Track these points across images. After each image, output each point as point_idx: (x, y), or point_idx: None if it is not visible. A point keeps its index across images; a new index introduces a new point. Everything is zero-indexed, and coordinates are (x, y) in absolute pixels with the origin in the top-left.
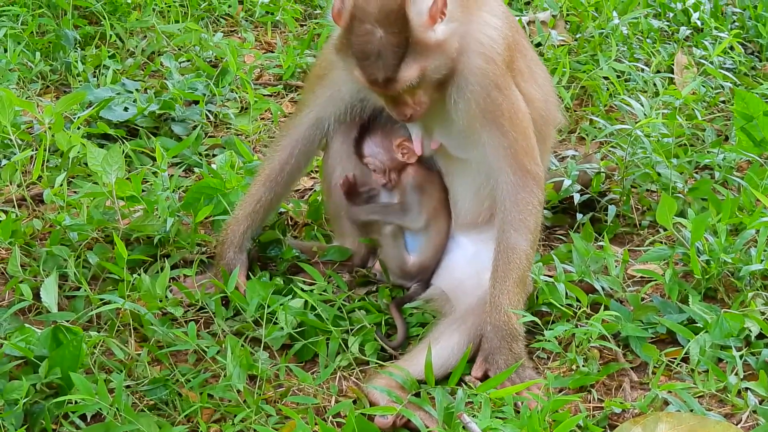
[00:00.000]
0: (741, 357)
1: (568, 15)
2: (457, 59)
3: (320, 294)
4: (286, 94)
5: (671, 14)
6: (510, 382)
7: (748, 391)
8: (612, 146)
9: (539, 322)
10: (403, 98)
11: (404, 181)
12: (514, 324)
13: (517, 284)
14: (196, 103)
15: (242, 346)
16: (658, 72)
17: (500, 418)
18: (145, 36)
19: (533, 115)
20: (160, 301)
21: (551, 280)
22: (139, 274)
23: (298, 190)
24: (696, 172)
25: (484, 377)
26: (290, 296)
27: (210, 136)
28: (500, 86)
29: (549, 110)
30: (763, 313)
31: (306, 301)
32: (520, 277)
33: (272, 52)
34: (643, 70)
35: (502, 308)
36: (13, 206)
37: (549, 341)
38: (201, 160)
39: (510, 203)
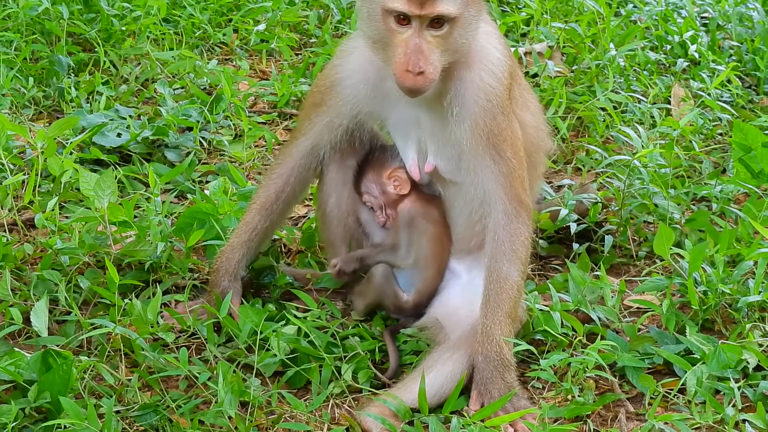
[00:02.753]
0: (738, 389)
1: (564, 46)
2: (463, 65)
3: (313, 321)
4: (281, 122)
5: (668, 47)
6: (504, 411)
7: (746, 423)
8: (609, 177)
9: (534, 351)
10: (426, 41)
11: (400, 214)
12: (506, 354)
13: (508, 315)
14: (190, 129)
15: (234, 372)
16: (655, 104)
17: None
18: (139, 63)
19: (525, 142)
20: (152, 326)
21: (547, 309)
22: (130, 299)
23: (292, 217)
24: (693, 204)
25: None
26: (283, 322)
27: (203, 163)
28: (505, 111)
29: (540, 137)
30: (760, 345)
31: (299, 328)
32: (511, 307)
33: (267, 80)
34: (639, 101)
35: (494, 339)
36: (4, 230)
37: (544, 370)
38: (194, 186)
39: (503, 233)
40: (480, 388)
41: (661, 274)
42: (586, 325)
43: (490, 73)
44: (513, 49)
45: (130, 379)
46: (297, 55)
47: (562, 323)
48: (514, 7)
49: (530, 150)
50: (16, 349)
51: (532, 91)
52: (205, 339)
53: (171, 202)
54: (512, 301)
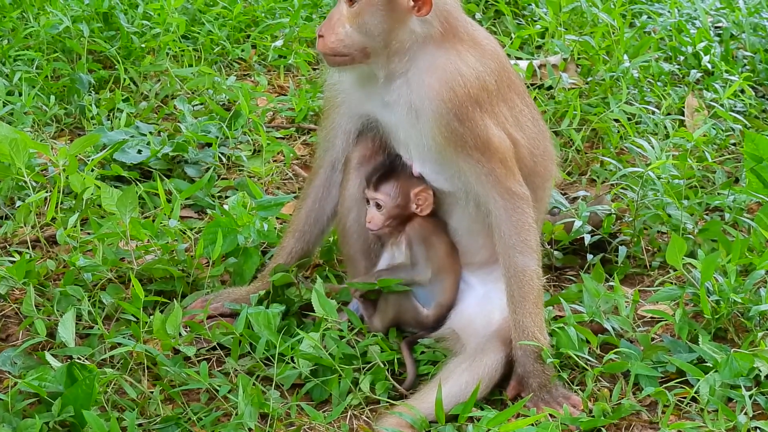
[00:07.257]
0: (750, 396)
1: (579, 58)
2: (412, 68)
3: (333, 333)
4: (299, 137)
5: (682, 58)
6: (543, 402)
7: (758, 430)
8: (623, 188)
9: (557, 366)
10: (339, 12)
11: (410, 233)
12: (543, 343)
13: (535, 305)
14: (209, 145)
15: (254, 385)
16: (669, 114)
17: None
18: (159, 80)
19: (516, 156)
20: (173, 339)
21: (562, 325)
22: (152, 314)
23: None
24: (706, 214)
25: (516, 399)
26: (301, 336)
27: (223, 178)
28: (461, 118)
29: (538, 163)
30: None
31: (319, 339)
32: (536, 297)
33: (285, 95)
34: (653, 112)
35: (527, 330)
36: (27, 247)
37: (565, 379)
38: (214, 201)
39: (506, 227)
40: (520, 380)
41: (674, 283)
42: (600, 335)
43: (442, 82)
44: (527, 62)
45: (153, 392)
46: (314, 70)
47: (578, 338)
48: (529, 19)
49: (524, 171)
50: (41, 363)
51: (536, 119)
52: (229, 350)
53: (191, 218)
54: (535, 290)
